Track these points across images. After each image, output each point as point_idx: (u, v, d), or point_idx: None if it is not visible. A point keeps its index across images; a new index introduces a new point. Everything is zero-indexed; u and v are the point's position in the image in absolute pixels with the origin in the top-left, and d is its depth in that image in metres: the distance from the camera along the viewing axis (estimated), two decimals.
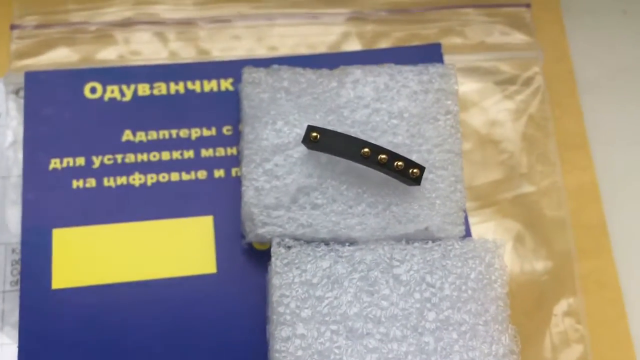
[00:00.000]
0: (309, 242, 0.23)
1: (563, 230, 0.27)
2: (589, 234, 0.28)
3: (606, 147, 0.29)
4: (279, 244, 0.22)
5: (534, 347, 0.25)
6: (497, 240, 0.23)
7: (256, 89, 0.24)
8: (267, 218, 0.23)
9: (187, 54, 0.28)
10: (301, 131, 0.23)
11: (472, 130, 0.28)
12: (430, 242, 0.23)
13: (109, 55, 0.28)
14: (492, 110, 0.28)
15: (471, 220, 0.26)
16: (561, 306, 0.26)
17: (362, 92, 0.24)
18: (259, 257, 0.25)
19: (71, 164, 0.26)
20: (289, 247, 0.22)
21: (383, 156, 0.22)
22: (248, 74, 0.24)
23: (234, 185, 0.26)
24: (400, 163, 0.22)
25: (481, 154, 0.28)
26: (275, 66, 0.25)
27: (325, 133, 0.22)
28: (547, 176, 0.28)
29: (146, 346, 0.23)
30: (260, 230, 0.23)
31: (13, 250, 0.25)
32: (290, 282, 0.22)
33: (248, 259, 0.25)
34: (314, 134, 0.22)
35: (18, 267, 0.25)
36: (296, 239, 0.23)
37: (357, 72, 0.24)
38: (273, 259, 0.22)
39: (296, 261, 0.22)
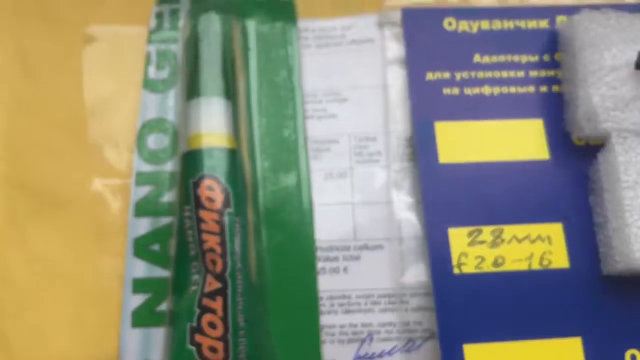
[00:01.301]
0: (636, 135, 0.31)
1: None
2: None
3: None
4: (618, 135, 0.31)
5: None
6: None
7: (593, 24, 0.33)
8: (607, 116, 0.31)
9: (512, 1, 0.36)
10: (629, 57, 0.32)
11: None
12: None
13: None
14: None
15: None
16: None
17: None
18: (580, 149, 0.33)
19: (440, 76, 0.34)
20: (625, 137, 0.31)
21: None
22: (586, 13, 0.33)
23: (555, 98, 0.34)
24: None
25: None
26: (604, 9, 0.33)
27: None
28: None
29: (499, 202, 0.32)
30: (603, 125, 0.31)
31: (398, 137, 0.34)
32: (630, 160, 0.30)
33: (572, 149, 0.33)
34: None
35: (403, 149, 0.34)
36: (627, 132, 0.31)
37: None
38: (615, 145, 0.31)
39: (632, 146, 0.31)
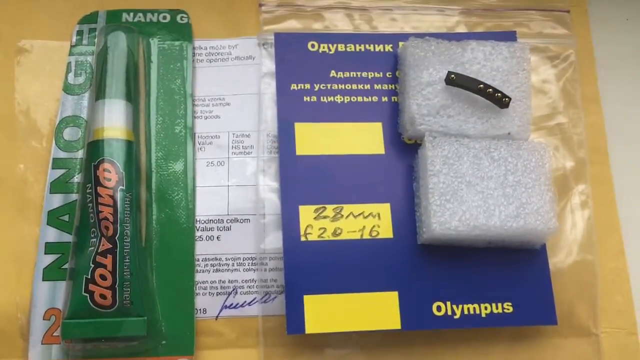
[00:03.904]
0: (444, 135, 0.37)
1: (582, 146, 0.41)
2: (596, 152, 0.42)
3: (612, 104, 0.44)
4: (429, 134, 0.37)
5: (560, 206, 0.40)
6: (546, 143, 0.38)
7: (417, 49, 0.39)
8: (423, 120, 0.37)
9: (364, 28, 0.42)
10: (442, 75, 0.38)
11: (532, 84, 0.42)
12: (511, 140, 0.37)
13: (318, 26, 0.42)
14: (544, 74, 0.43)
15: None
16: (579, 188, 0.40)
17: (476, 55, 0.39)
18: (409, 146, 0.39)
19: (302, 87, 0.40)
20: (434, 137, 0.37)
21: (490, 89, 0.37)
22: (412, 40, 0.39)
23: (393, 106, 0.40)
24: (499, 94, 0.37)
25: (536, 98, 0.42)
26: (427, 37, 0.39)
27: (459, 75, 0.37)
28: (575, 115, 0.42)
29: (341, 186, 0.38)
30: (419, 127, 0.37)
31: (267, 134, 0.40)
32: (436, 154, 0.36)
33: (403, 147, 0.39)
34: (452, 76, 0.37)
35: (271, 144, 0.39)
36: (437, 133, 0.37)
37: (473, 43, 0.39)
38: (427, 142, 0.37)
39: (439, 144, 0.37)
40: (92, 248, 0.35)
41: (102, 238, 0.35)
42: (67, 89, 0.40)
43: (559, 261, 0.39)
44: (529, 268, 0.38)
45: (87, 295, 0.34)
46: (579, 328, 0.38)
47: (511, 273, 0.38)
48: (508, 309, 0.37)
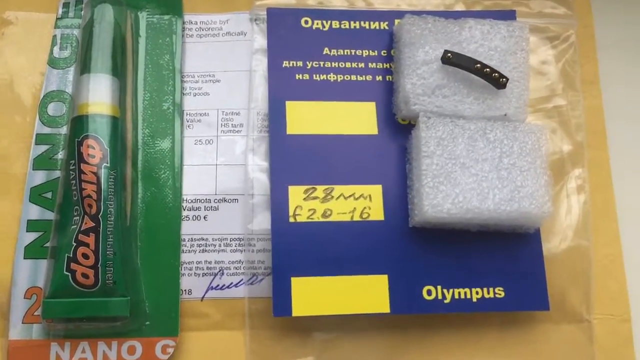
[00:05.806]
0: (439, 116, 0.36)
1: (580, 129, 0.40)
2: (594, 136, 0.40)
3: (610, 85, 0.42)
4: (424, 115, 0.35)
5: (556, 190, 0.38)
6: (543, 126, 0.36)
7: (413, 27, 0.37)
8: (417, 100, 0.36)
9: (360, 4, 0.41)
10: (438, 53, 0.36)
11: (531, 65, 0.40)
12: (507, 122, 0.36)
13: (312, 1, 0.40)
14: (543, 55, 0.41)
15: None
16: (575, 172, 0.39)
17: (473, 34, 0.37)
18: (403, 127, 0.38)
19: (294, 65, 0.38)
20: (429, 117, 0.35)
21: (487, 69, 0.35)
22: (409, 17, 0.37)
23: (388, 86, 0.39)
24: (496, 74, 0.35)
25: (534, 80, 0.40)
26: (424, 15, 0.37)
27: (455, 54, 0.35)
28: (574, 97, 0.40)
29: (333, 166, 0.36)
30: (413, 107, 0.36)
31: (258, 113, 0.38)
32: (430, 135, 0.35)
33: (396, 127, 0.38)
34: (449, 55, 0.35)
35: (261, 122, 0.38)
36: (432, 113, 0.36)
37: (471, 21, 0.37)
38: (421, 123, 0.35)
39: (433, 124, 0.35)
40: (75, 226, 0.33)
41: (85, 216, 0.33)
42: (52, 62, 0.38)
43: (553, 246, 0.38)
44: (522, 252, 0.36)
45: (69, 274, 0.33)
46: (571, 314, 0.37)
47: (504, 257, 0.36)
48: (500, 294, 0.35)
